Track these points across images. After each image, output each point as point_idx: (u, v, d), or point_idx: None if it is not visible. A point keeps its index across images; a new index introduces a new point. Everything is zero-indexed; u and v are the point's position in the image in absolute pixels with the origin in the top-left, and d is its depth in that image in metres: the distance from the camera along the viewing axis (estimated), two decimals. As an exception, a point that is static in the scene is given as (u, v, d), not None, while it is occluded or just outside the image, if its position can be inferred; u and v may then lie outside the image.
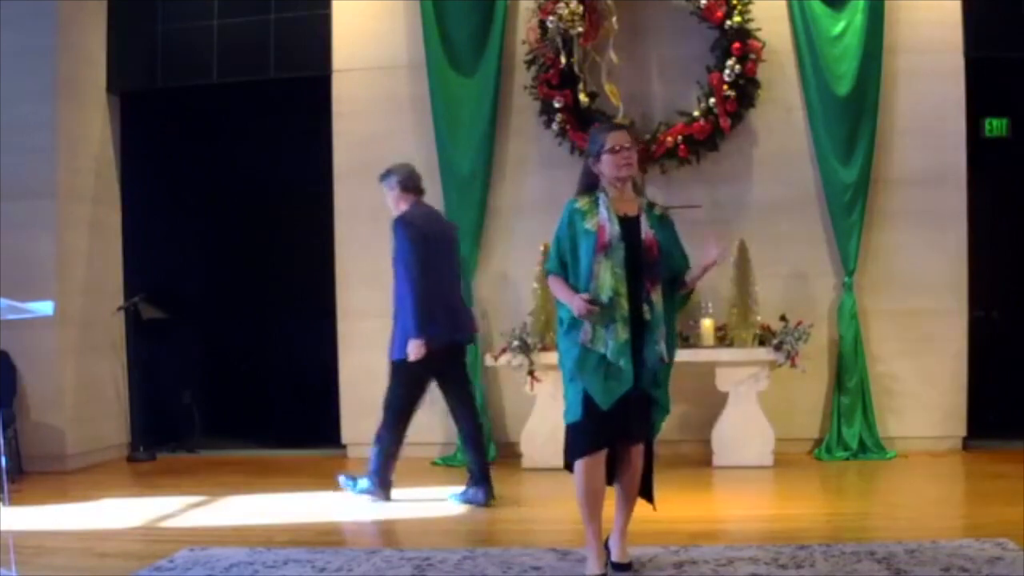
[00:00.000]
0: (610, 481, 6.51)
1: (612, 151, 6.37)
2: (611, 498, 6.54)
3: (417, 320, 8.47)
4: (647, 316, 6.26)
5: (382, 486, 8.90)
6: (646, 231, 6.34)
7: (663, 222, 6.47)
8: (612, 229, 6.28)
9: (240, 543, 7.56)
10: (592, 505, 6.34)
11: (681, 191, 10.32)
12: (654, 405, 6.39)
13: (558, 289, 6.43)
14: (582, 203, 6.41)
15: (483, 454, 8.90)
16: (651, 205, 6.50)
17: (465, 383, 8.93)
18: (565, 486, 8.83)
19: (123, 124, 11.84)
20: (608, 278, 6.24)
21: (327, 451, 11.38)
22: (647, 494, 6.62)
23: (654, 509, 6.69)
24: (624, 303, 6.23)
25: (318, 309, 11.40)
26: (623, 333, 6.22)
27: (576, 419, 6.29)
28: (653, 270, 6.31)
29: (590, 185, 6.48)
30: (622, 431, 6.34)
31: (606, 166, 6.40)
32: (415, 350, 8.50)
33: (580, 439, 6.30)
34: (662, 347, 6.27)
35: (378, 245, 10.56)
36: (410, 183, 8.92)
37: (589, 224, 6.31)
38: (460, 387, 8.90)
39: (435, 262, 8.61)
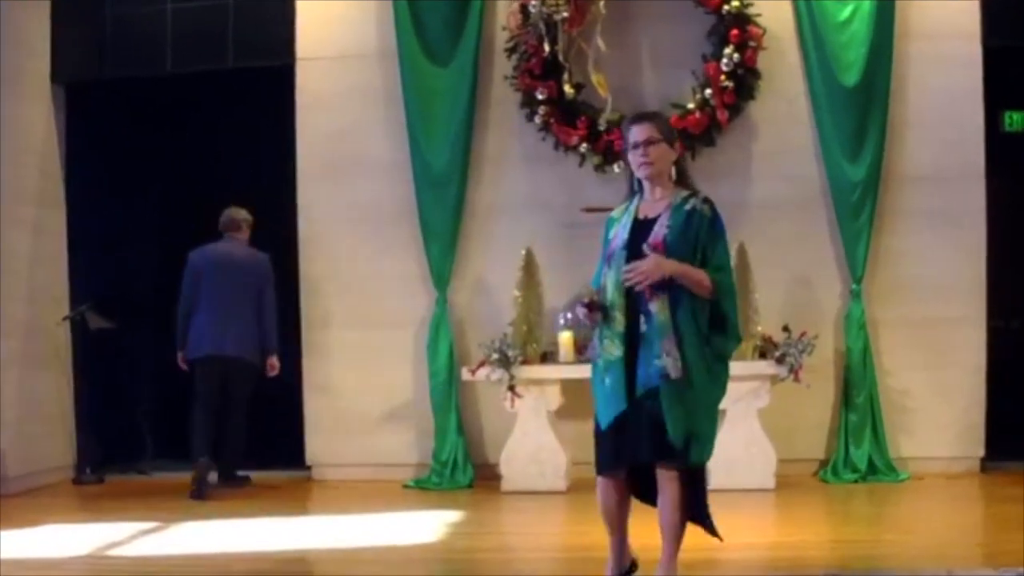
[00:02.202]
0: (649, 500, 6.57)
1: (633, 147, 6.44)
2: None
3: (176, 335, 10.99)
4: (643, 328, 6.28)
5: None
6: (657, 232, 6.35)
7: (692, 219, 6.38)
8: (621, 237, 6.39)
9: (195, 574, 7.57)
10: (608, 523, 6.55)
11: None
12: (668, 428, 6.28)
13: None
14: (618, 210, 6.56)
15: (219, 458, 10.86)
16: (687, 199, 6.44)
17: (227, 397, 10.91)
18: (549, 511, 9.38)
19: (68, 117, 11.87)
20: (610, 289, 6.36)
21: (290, 472, 11.44)
22: (704, 523, 6.57)
23: (720, 540, 6.64)
24: (620, 316, 6.31)
25: (282, 316, 11.35)
26: (615, 349, 6.32)
27: (595, 434, 6.49)
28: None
29: (633, 189, 6.60)
30: (631, 453, 6.38)
31: (631, 164, 6.50)
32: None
33: (596, 455, 6.48)
34: (665, 362, 6.23)
35: (345, 248, 10.98)
36: (219, 225, 11.06)
37: (612, 233, 6.47)
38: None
39: (207, 290, 10.82)
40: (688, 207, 6.37)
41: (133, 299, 12.39)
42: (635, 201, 6.52)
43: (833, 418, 10.59)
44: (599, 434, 6.42)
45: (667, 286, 6.27)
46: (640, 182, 6.52)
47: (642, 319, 6.27)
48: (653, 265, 6.18)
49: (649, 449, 6.28)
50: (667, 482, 6.34)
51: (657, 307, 6.26)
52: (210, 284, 10.85)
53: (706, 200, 6.42)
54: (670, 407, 6.21)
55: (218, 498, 10.36)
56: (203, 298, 10.84)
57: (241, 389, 10.94)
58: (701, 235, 6.33)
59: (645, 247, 6.30)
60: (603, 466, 6.42)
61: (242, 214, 11.10)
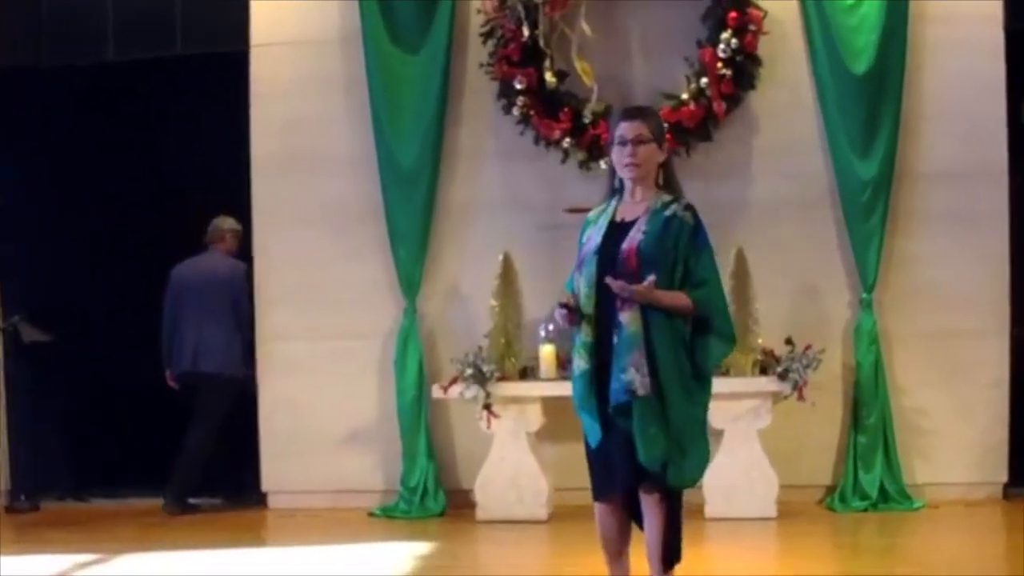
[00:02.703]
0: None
1: (619, 144, 6.41)
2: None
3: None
4: (614, 339, 6.21)
5: None
6: (632, 238, 6.30)
7: (670, 226, 6.30)
8: (595, 240, 6.38)
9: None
10: (606, 552, 6.56)
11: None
12: (638, 451, 6.23)
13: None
14: (596, 211, 6.56)
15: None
16: (668, 204, 6.38)
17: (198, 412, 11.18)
18: (529, 542, 9.52)
19: (1, 108, 11.77)
20: (580, 297, 6.36)
21: (244, 500, 11.35)
22: (666, 554, 6.44)
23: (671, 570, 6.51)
24: (588, 327, 6.31)
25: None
26: (583, 362, 6.34)
27: (587, 455, 6.50)
28: (628, 282, 6.18)
29: (614, 188, 6.56)
30: (616, 477, 6.38)
31: (614, 161, 6.48)
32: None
33: (591, 478, 6.48)
34: (632, 378, 6.16)
35: (304, 252, 10.91)
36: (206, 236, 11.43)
37: (586, 236, 6.47)
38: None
39: (186, 306, 11.19)
40: (668, 213, 6.34)
41: (71, 309, 12.13)
42: (614, 202, 6.50)
43: (841, 440, 10.45)
44: (590, 456, 6.44)
45: None
46: (622, 181, 6.49)
47: (614, 330, 6.24)
48: (646, 293, 6.13)
49: (626, 472, 6.29)
50: (651, 506, 6.33)
51: (628, 318, 6.22)
52: (188, 299, 11.21)
53: (688, 207, 6.39)
54: (640, 427, 6.19)
55: (166, 526, 10.40)
56: (181, 315, 11.23)
57: (210, 406, 11.10)
58: (681, 245, 6.30)
59: (624, 250, 6.27)
60: (595, 486, 6.44)
61: (227, 223, 11.37)
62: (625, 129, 6.35)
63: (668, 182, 6.48)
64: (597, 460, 6.38)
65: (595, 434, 6.31)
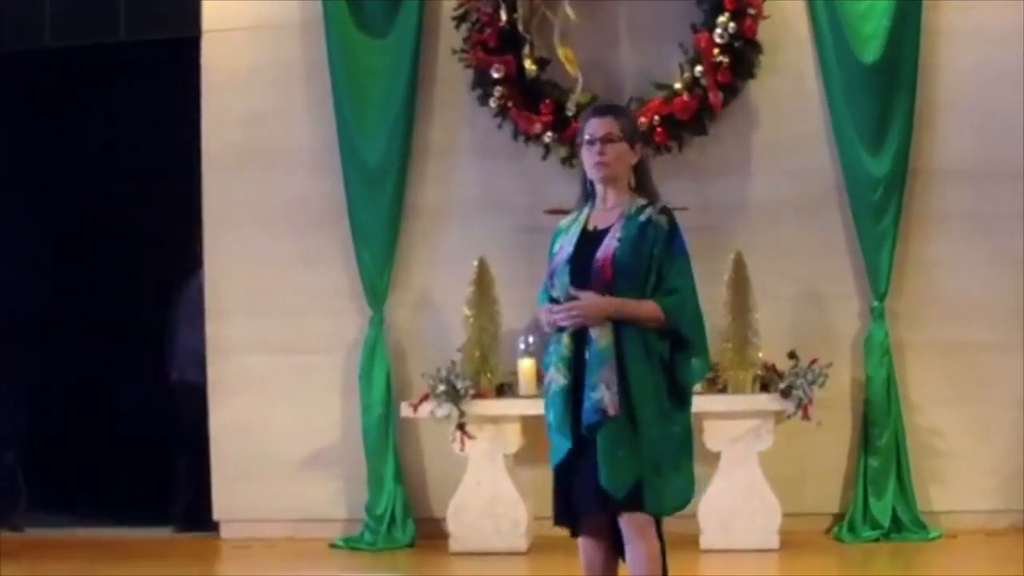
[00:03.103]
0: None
1: (588, 143, 6.38)
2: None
3: None
4: (587, 354, 6.18)
5: None
6: (606, 246, 6.26)
7: (646, 231, 6.26)
8: (566, 250, 6.36)
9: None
10: None
11: (659, 188, 9.55)
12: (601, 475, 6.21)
13: (541, 318, 6.50)
14: (567, 219, 6.55)
15: None
16: (642, 208, 6.33)
17: None
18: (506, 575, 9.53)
19: None
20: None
21: (194, 530, 11.10)
22: None
23: None
24: (566, 340, 6.25)
25: (179, 341, 11.26)
26: (560, 377, 6.26)
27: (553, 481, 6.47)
28: (602, 295, 6.18)
29: (587, 193, 6.53)
30: (580, 503, 6.31)
31: (584, 163, 6.47)
32: None
33: (553, 505, 6.42)
34: (601, 395, 6.11)
35: (259, 256, 10.72)
36: None
37: (557, 246, 6.46)
38: None
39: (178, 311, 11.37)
40: (643, 218, 6.31)
41: (1, 320, 12.00)
42: (586, 209, 6.48)
43: (849, 464, 10.25)
44: (555, 477, 6.38)
45: None
46: (594, 186, 6.49)
47: (585, 344, 6.23)
48: (589, 307, 6.15)
49: (595, 498, 6.22)
50: (632, 535, 6.25)
51: (598, 331, 6.20)
52: (178, 303, 11.44)
53: (664, 210, 6.37)
54: (607, 449, 6.16)
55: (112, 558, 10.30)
56: (174, 319, 11.49)
57: (186, 419, 11.20)
58: (656, 251, 6.28)
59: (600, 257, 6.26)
60: (555, 519, 6.38)
61: None
62: (593, 127, 6.33)
63: (642, 185, 6.44)
64: (560, 482, 6.32)
65: (560, 453, 6.24)
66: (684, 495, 6.29)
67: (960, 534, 9.89)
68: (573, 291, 6.15)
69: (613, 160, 6.29)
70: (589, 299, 6.14)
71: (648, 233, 6.24)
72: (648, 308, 6.15)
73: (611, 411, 6.07)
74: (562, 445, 6.22)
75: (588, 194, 6.46)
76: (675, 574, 7.93)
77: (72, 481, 12.20)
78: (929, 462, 10.16)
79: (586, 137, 6.34)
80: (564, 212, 6.83)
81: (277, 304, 10.71)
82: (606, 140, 6.27)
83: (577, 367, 6.22)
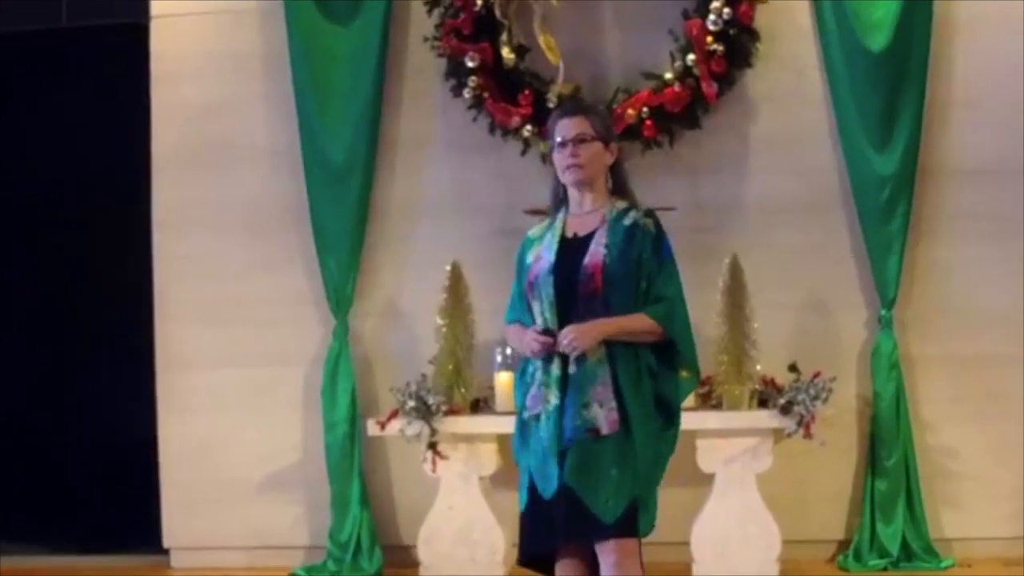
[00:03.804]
0: None
1: (559, 145, 6.37)
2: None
3: None
4: (571, 370, 6.17)
5: None
6: (593, 253, 6.24)
7: (634, 236, 6.28)
8: (547, 259, 6.33)
9: None
10: None
11: (647, 187, 9.21)
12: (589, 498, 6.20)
13: (513, 340, 6.57)
14: (537, 228, 6.55)
15: None
16: (625, 211, 6.35)
17: None
18: None
19: None
20: (540, 326, 6.32)
21: (143, 557, 10.96)
22: None
23: None
24: (557, 358, 6.21)
25: (129, 354, 10.98)
26: (553, 398, 6.20)
27: (521, 509, 6.37)
28: (590, 305, 6.18)
29: (559, 199, 6.55)
30: (565, 529, 6.22)
31: (556, 167, 6.45)
32: None
33: (522, 538, 6.37)
34: (596, 414, 6.12)
35: (214, 262, 10.64)
36: None
37: (531, 256, 6.43)
38: None
39: None
40: (628, 221, 6.34)
41: None
42: (560, 215, 6.47)
43: (856, 486, 10.13)
44: (535, 505, 6.28)
45: (602, 316, 6.26)
46: (567, 191, 6.50)
47: (571, 360, 6.21)
48: (579, 337, 6.11)
49: (578, 524, 6.18)
50: (619, 561, 6.15)
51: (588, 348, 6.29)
52: None
53: (649, 213, 6.40)
54: (593, 470, 6.17)
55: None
56: None
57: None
58: (644, 257, 6.30)
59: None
60: (539, 545, 6.26)
61: None
62: (564, 128, 6.33)
63: (620, 187, 6.47)
64: (545, 509, 6.21)
65: (553, 479, 6.16)
66: (654, 519, 6.28)
67: (975, 563, 9.77)
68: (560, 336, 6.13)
69: (587, 162, 6.30)
70: (573, 330, 6.11)
71: (636, 238, 6.25)
72: (642, 322, 6.17)
73: (605, 430, 6.07)
74: (555, 471, 6.15)
75: (561, 200, 6.47)
76: (667, 606, 7.31)
77: (14, 505, 11.86)
78: (942, 485, 10.07)
79: (557, 139, 6.35)
80: (544, 213, 6.79)
81: (232, 313, 10.63)
82: (578, 141, 6.29)
83: (564, 387, 6.22)
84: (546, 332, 6.21)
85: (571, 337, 6.09)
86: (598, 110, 6.87)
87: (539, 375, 6.26)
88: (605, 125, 6.51)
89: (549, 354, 6.21)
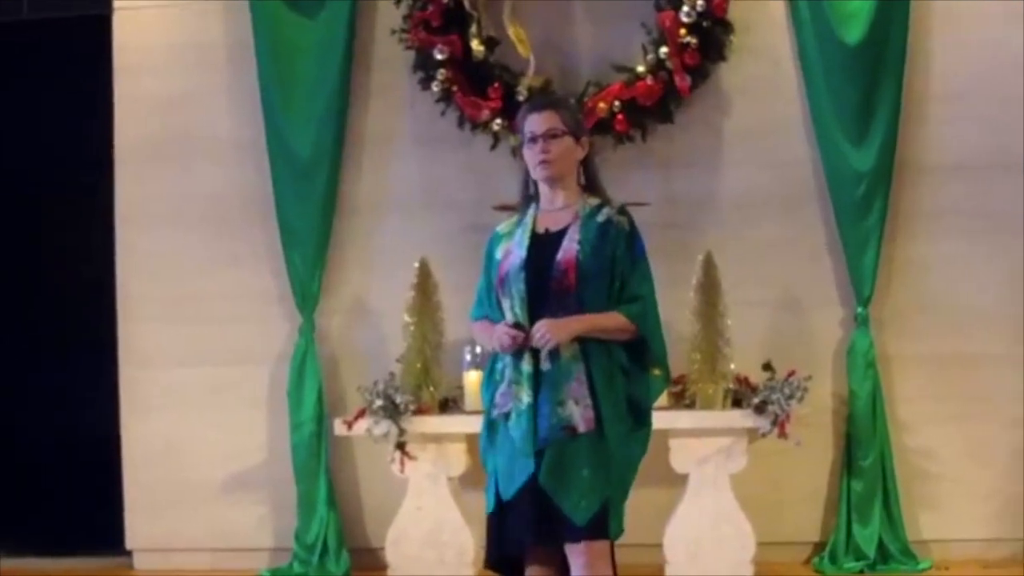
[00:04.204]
0: None
1: (530, 141, 6.36)
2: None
3: None
4: (544, 367, 6.17)
5: None
6: (566, 249, 6.26)
7: (607, 232, 6.29)
8: (517, 255, 6.33)
9: None
10: None
11: (619, 182, 9.41)
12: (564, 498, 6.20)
13: (480, 336, 6.60)
14: (506, 224, 6.55)
15: None
16: (599, 207, 6.36)
17: None
18: None
19: None
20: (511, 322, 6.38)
21: (105, 559, 10.86)
22: None
23: None
24: (527, 356, 6.23)
25: (91, 351, 10.84)
26: (525, 395, 6.19)
27: (488, 511, 6.35)
28: (563, 302, 6.17)
29: (529, 194, 6.54)
30: (536, 531, 6.22)
31: (527, 163, 6.44)
32: None
33: (489, 540, 6.34)
34: (571, 412, 6.13)
35: (177, 258, 10.61)
36: None
37: (500, 251, 6.44)
38: None
39: None
40: (601, 218, 6.36)
41: None
42: (531, 211, 6.47)
43: (831, 487, 10.14)
44: (502, 508, 6.28)
45: (576, 313, 6.28)
46: (537, 186, 6.50)
47: (543, 356, 6.22)
48: (553, 331, 6.13)
49: (547, 524, 6.17)
50: (590, 563, 6.16)
51: (563, 345, 6.26)
52: None
53: (623, 210, 6.43)
54: (566, 469, 6.18)
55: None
56: None
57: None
58: (618, 254, 6.32)
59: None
60: (492, 555, 6.31)
61: None
62: (533, 123, 6.32)
63: (591, 183, 6.50)
64: (510, 512, 6.25)
65: (522, 478, 6.16)
66: (623, 523, 6.30)
67: (953, 565, 9.80)
68: (537, 333, 6.11)
69: (558, 157, 6.29)
70: (545, 326, 6.12)
71: (609, 235, 6.26)
72: (616, 320, 6.19)
73: (582, 427, 6.08)
74: (526, 468, 6.13)
75: (531, 195, 6.47)
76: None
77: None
78: (919, 486, 10.07)
79: (527, 135, 6.33)
80: (513, 208, 6.78)
81: (196, 310, 10.58)
82: (549, 136, 6.27)
83: (536, 384, 6.24)
84: (517, 326, 6.21)
85: (544, 331, 6.09)
86: (569, 104, 6.88)
87: (509, 372, 6.25)
88: (576, 119, 6.50)
89: (519, 350, 6.20)
